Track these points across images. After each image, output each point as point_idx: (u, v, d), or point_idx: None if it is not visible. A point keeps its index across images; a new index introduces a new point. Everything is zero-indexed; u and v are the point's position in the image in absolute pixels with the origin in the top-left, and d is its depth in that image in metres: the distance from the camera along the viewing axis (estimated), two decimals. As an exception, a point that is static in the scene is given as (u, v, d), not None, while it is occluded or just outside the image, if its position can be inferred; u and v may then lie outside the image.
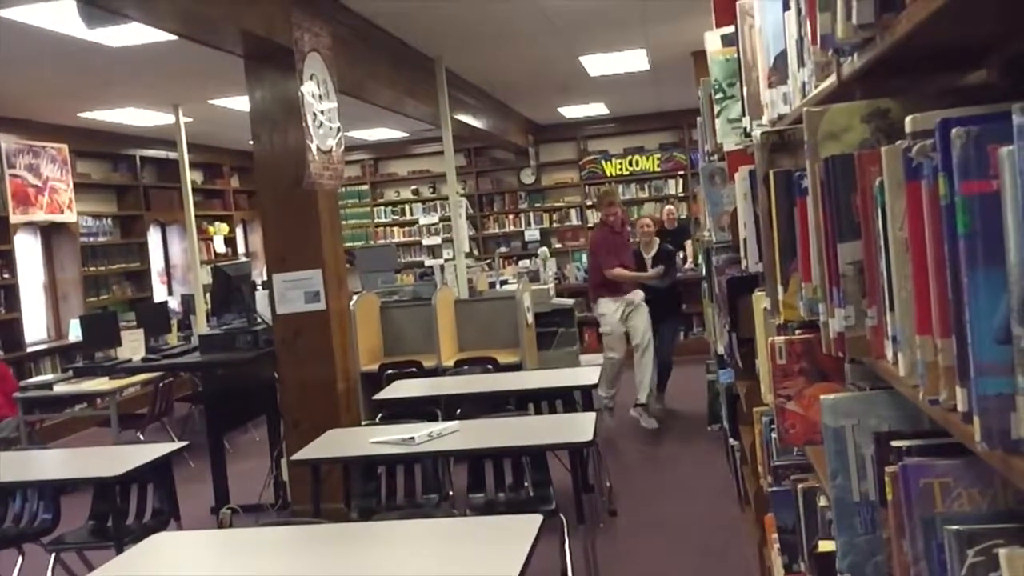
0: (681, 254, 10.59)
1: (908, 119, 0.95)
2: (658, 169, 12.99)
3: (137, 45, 6.04)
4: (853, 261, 1.19)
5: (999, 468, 0.78)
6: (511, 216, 13.63)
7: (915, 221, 0.92)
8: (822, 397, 1.32)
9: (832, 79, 1.34)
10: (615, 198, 7.63)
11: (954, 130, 0.75)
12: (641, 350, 7.23)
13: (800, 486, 2.16)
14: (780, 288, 1.70)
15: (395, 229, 13.94)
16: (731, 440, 5.30)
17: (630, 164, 13.06)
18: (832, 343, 1.27)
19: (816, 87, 1.54)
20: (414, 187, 13.93)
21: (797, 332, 2.17)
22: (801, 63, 1.75)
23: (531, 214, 13.54)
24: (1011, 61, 1.19)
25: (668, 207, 11.61)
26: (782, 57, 1.95)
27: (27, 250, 9.29)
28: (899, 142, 0.97)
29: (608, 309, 7.22)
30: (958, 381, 0.83)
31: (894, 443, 1.15)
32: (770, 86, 2.02)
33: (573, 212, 13.39)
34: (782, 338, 2.15)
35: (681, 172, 12.84)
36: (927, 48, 1.17)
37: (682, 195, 12.78)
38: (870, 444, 1.24)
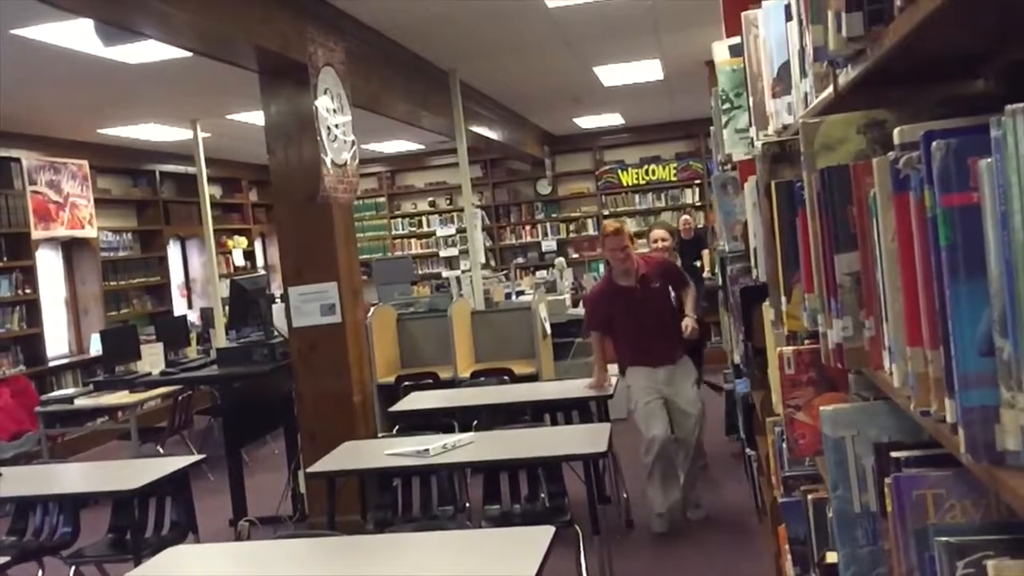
0: (698, 263, 10.56)
1: (896, 131, 0.95)
2: (674, 178, 12.98)
3: (155, 62, 6.11)
4: (850, 272, 1.19)
5: (984, 480, 0.78)
6: (528, 227, 13.65)
7: (904, 233, 0.92)
8: (821, 408, 1.32)
9: (829, 90, 1.35)
10: (623, 226, 5.26)
11: (934, 143, 0.75)
12: (684, 446, 5.24)
13: (810, 496, 2.14)
14: (783, 299, 1.70)
15: (412, 241, 13.99)
16: (748, 450, 5.28)
17: (646, 174, 13.06)
18: (831, 354, 1.27)
19: (817, 98, 1.54)
20: (431, 199, 13.98)
21: (806, 342, 2.16)
22: (803, 74, 1.75)
23: (548, 225, 13.56)
24: (1006, 69, 1.19)
25: (684, 216, 11.58)
26: (785, 68, 1.95)
27: (48, 265, 9.40)
28: (890, 154, 0.97)
29: (637, 382, 5.23)
30: (947, 392, 0.83)
31: (893, 454, 1.15)
32: (774, 96, 2.03)
33: (590, 222, 13.39)
34: (790, 348, 2.14)
35: (697, 181, 12.82)
36: (921, 59, 1.17)
37: (699, 204, 12.75)
38: (870, 455, 1.24)
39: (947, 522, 0.93)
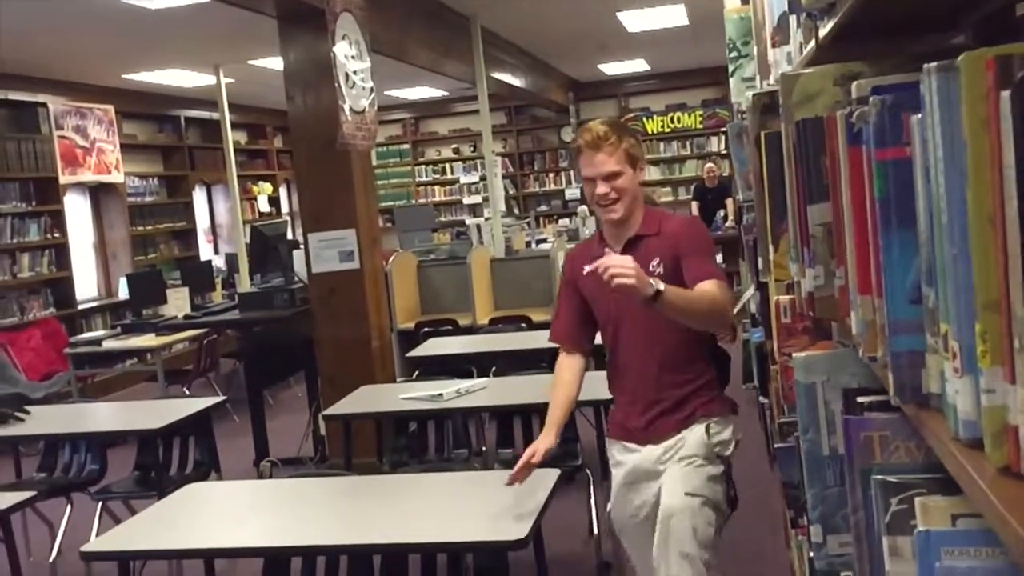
0: (722, 212, 10.52)
1: (853, 85, 0.97)
2: (700, 126, 12.87)
3: (175, 7, 6.13)
4: (822, 222, 1.22)
5: (912, 420, 0.82)
6: (551, 175, 13.62)
7: (857, 185, 0.95)
8: (794, 355, 1.36)
9: (812, 43, 1.36)
10: (610, 131, 2.56)
11: (871, 98, 0.78)
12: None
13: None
14: (771, 248, 1.73)
15: (436, 188, 14.01)
16: (761, 398, 5.32)
17: (672, 121, 12.95)
18: (804, 302, 1.30)
19: (805, 49, 1.55)
20: (454, 146, 13.96)
21: (803, 291, 2.18)
22: (799, 24, 1.76)
23: (572, 173, 13.51)
24: (982, 22, 1.20)
25: (709, 164, 11.51)
26: (785, 17, 1.95)
27: (76, 210, 9.54)
28: (849, 107, 0.99)
29: (613, 456, 2.92)
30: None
31: (859, 399, 1.19)
32: (774, 46, 2.03)
33: (614, 170, 13.32)
34: (787, 297, 2.17)
35: (724, 129, 12.67)
36: (898, 13, 1.18)
37: (724, 152, 12.62)
38: (839, 400, 1.28)
39: (892, 462, 0.97)
